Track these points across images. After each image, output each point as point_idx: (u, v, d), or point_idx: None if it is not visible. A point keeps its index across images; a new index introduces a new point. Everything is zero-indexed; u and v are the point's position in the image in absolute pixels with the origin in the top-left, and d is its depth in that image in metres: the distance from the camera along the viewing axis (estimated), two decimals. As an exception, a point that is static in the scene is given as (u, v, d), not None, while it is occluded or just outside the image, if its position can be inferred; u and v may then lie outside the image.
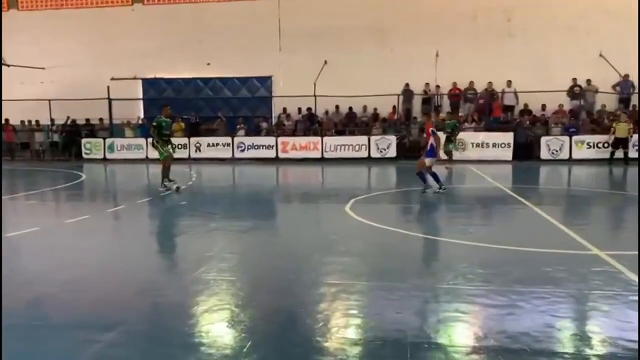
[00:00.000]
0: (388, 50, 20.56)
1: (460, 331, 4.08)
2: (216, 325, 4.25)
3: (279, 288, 5.19)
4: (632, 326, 4.00)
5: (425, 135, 11.05)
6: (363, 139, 19.88)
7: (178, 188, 11.71)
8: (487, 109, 20.40)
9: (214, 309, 4.57)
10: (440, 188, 10.75)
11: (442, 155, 14.45)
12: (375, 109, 21.24)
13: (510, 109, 20.63)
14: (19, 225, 8.20)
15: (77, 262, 6.23)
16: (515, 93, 20.40)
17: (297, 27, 21.03)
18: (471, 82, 20.77)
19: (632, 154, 17.37)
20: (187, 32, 21.88)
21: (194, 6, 22.31)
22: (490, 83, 20.53)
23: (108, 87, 21.79)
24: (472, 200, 11.42)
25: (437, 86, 21.01)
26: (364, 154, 19.65)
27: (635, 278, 5.08)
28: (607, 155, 17.59)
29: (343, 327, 4.16)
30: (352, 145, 19.92)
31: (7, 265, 6.30)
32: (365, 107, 21.46)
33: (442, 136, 16.96)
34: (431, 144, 10.69)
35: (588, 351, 3.66)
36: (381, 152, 19.58)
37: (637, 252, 5.75)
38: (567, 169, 17.20)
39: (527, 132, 19.25)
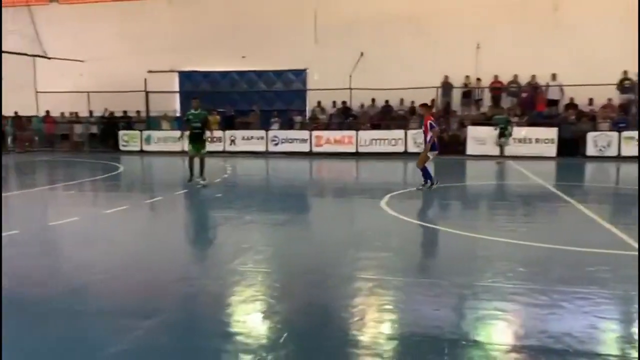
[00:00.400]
0: (426, 41, 20.17)
1: (500, 329, 3.97)
2: (252, 316, 4.26)
3: (314, 281, 5.17)
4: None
5: (423, 128, 10.61)
6: (399, 133, 19.67)
7: (198, 181, 11.45)
8: (531, 103, 19.84)
9: (250, 300, 4.59)
10: (424, 184, 10.39)
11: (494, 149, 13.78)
12: (413, 103, 20.96)
13: (554, 103, 20.02)
14: (60, 214, 8.43)
15: (116, 252, 6.36)
16: (561, 87, 19.78)
17: (333, 18, 20.92)
18: (515, 76, 20.24)
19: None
20: (223, 24, 22.03)
21: (230, -1, 22.44)
22: (534, 76, 19.98)
23: (145, 80, 22.18)
24: (514, 197, 11.16)
25: (478, 79, 20.59)
26: (400, 148, 19.44)
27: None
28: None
29: (378, 322, 4.11)
30: (387, 139, 19.74)
31: (49, 253, 6.47)
32: (402, 101, 21.21)
33: (494, 132, 16.69)
34: (431, 137, 10.33)
35: (633, 354, 3.51)
36: (419, 146, 19.28)
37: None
38: (614, 166, 16.62)
39: (573, 127, 18.66)
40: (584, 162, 17.49)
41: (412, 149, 19.27)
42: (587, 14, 19.12)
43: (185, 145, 12.06)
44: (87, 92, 22.93)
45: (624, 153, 17.69)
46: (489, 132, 18.66)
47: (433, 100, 18.12)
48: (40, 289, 4.88)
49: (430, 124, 10.42)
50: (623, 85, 19.33)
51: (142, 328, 3.94)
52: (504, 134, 16.51)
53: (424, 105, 11.49)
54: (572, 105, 19.67)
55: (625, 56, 18.33)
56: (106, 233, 7.45)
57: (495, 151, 17.46)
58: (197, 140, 11.47)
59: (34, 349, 3.62)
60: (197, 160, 11.59)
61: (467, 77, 20.68)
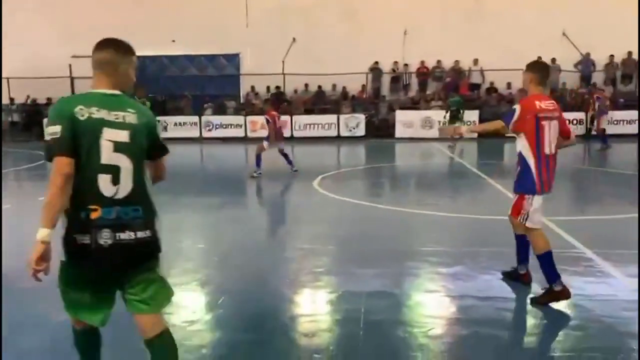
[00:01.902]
0: (356, 27, 20.68)
1: (416, 284, 4.50)
2: (191, 285, 4.56)
3: (249, 253, 5.51)
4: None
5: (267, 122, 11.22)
6: (332, 118, 20.17)
7: None
8: (454, 87, 20.90)
9: (189, 272, 4.88)
10: (257, 172, 10.86)
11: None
12: (344, 88, 21.49)
13: (476, 87, 21.19)
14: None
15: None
16: (482, 71, 20.95)
17: (265, 1, 20.99)
18: (438, 61, 21.21)
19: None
20: (152, 7, 21.56)
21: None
22: (457, 61, 21.01)
23: (70, 66, 21.37)
24: (436, 176, 11.91)
25: (405, 64, 21.38)
26: (333, 132, 19.95)
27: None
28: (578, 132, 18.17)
29: (310, 284, 4.52)
30: (321, 124, 20.19)
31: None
32: (334, 86, 21.70)
33: (444, 115, 16.92)
34: (269, 132, 10.96)
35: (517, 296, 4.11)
36: (350, 130, 19.92)
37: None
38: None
39: (493, 109, 19.83)
40: (503, 142, 18.71)
41: (344, 133, 19.85)
42: (508, 3, 20.31)
43: None
44: (7, 78, 21.81)
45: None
46: (415, 116, 19.54)
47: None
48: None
49: (266, 119, 11.08)
50: (537, 70, 20.76)
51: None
52: (456, 117, 16.54)
53: (266, 100, 12.78)
54: (492, 89, 20.90)
55: (541, 43, 19.67)
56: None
57: (423, 134, 18.33)
58: None
59: None
60: None
61: (396, 62, 21.44)
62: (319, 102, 21.60)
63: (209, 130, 20.55)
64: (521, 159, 3.99)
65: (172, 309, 3.97)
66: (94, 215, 2.22)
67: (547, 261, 3.94)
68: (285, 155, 11.12)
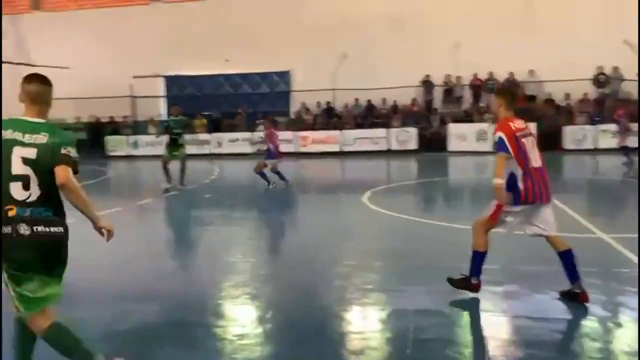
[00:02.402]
0: (407, 41, 20.58)
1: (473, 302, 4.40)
2: (240, 298, 4.64)
3: (299, 266, 5.55)
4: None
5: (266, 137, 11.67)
6: (382, 132, 20.09)
7: (167, 190, 11.42)
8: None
9: (239, 285, 4.97)
10: (268, 185, 11.24)
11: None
12: (395, 101, 21.40)
13: (532, 98, 20.56)
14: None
15: (117, 247, 6.67)
16: (538, 82, 20.33)
17: (316, 19, 21.27)
18: (491, 73, 20.77)
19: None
20: (206, 28, 22.30)
21: (213, 2, 22.71)
22: (511, 73, 20.51)
23: (131, 85, 22.39)
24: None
25: (458, 77, 21.09)
26: (383, 146, 19.87)
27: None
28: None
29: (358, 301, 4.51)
30: (371, 138, 20.15)
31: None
32: (384, 100, 21.66)
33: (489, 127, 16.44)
34: (269, 147, 11.37)
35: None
36: (401, 144, 19.77)
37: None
38: (591, 158, 17.16)
39: (551, 121, 19.18)
40: (563, 155, 18.08)
41: (395, 146, 19.72)
42: (563, 12, 19.71)
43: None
44: (72, 98, 23.06)
45: (601, 146, 18.27)
46: (469, 129, 19.17)
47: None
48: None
49: (267, 134, 11.66)
50: (598, 80, 19.98)
51: (140, 310, 4.30)
52: None
53: (266, 117, 13.26)
54: (549, 100, 20.25)
55: (600, 52, 18.94)
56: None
57: (477, 147, 17.93)
58: (174, 145, 11.64)
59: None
60: (175, 165, 11.66)
61: (448, 75, 21.18)
62: (369, 116, 21.61)
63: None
64: (509, 174, 4.20)
65: (222, 322, 4.07)
66: (11, 214, 2.78)
67: (480, 259, 4.40)
68: (278, 173, 11.39)
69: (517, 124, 4.28)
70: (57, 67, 22.99)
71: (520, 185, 4.15)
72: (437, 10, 20.57)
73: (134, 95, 22.69)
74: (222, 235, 7.30)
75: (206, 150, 20.35)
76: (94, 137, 23.22)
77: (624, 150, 14.27)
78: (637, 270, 4.93)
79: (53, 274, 2.92)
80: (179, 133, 11.67)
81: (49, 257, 2.86)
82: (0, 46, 15.68)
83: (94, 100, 22.55)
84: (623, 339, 3.68)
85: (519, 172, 4.17)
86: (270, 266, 5.74)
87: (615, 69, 19.54)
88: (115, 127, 23.40)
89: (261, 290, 4.92)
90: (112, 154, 22.25)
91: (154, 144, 21.57)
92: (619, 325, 3.92)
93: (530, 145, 4.24)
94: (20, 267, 2.82)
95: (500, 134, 4.20)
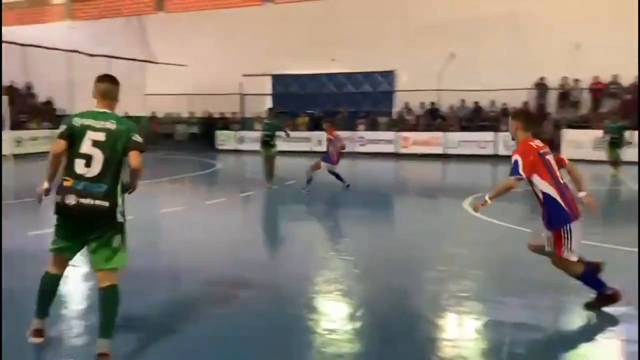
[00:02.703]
0: (520, 41, 19.54)
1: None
2: (333, 294, 4.72)
3: (392, 268, 5.52)
4: None
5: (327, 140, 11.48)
6: (489, 135, 19.32)
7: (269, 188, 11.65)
8: (635, 105, 18.63)
9: (332, 281, 5.05)
10: (345, 185, 11.07)
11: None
12: (504, 104, 20.46)
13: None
14: (167, 204, 9.40)
15: (216, 236, 7.07)
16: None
17: (423, 18, 20.92)
18: (615, 76, 19.18)
19: None
20: (314, 28, 22.74)
21: (321, 3, 23.11)
22: (638, 77, 18.77)
23: (241, 84, 23.46)
24: (610, 204, 10.77)
25: (576, 80, 19.71)
26: (490, 150, 19.08)
27: None
28: None
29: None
30: (477, 141, 19.45)
31: (164, 234, 7.35)
32: (493, 102, 20.80)
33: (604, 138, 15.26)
34: (330, 150, 11.18)
35: None
36: (509, 149, 18.81)
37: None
38: None
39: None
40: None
41: (502, 151, 18.81)
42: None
43: (281, 146, 12.67)
44: (188, 94, 24.64)
45: None
46: (586, 136, 17.85)
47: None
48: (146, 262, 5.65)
49: (329, 138, 11.38)
50: None
51: (240, 297, 4.53)
52: (617, 145, 14.66)
53: (328, 121, 12.92)
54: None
55: None
56: (209, 220, 8.22)
57: (593, 156, 16.61)
58: (266, 146, 11.96)
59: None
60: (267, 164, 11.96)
61: (565, 78, 19.85)
62: (475, 118, 20.86)
63: (361, 145, 20.97)
64: (545, 196, 4.14)
65: (314, 315, 4.16)
66: (66, 184, 3.29)
67: (589, 276, 4.13)
68: (336, 175, 11.18)
69: (536, 142, 4.29)
70: (176, 64, 24.75)
71: (561, 202, 4.07)
72: (555, 9, 19.34)
73: (243, 92, 23.74)
74: (317, 230, 7.45)
75: (306, 147, 20.77)
76: (205, 130, 24.65)
77: None
78: None
79: (107, 243, 3.35)
80: (270, 135, 12.00)
81: (96, 226, 3.31)
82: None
83: (206, 97, 23.95)
84: None
85: (554, 193, 4.10)
86: (364, 265, 5.75)
87: None
88: (225, 123, 24.63)
89: (354, 288, 4.96)
90: (221, 147, 23.46)
91: (258, 140, 22.43)
92: None
93: (554, 162, 4.24)
94: (76, 230, 3.33)
95: (515, 156, 4.19)
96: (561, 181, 4.19)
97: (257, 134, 22.66)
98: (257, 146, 21.18)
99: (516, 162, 4.16)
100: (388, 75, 22.76)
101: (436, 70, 20.38)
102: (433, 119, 21.20)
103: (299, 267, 5.64)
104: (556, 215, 4.12)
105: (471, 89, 19.88)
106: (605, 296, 4.12)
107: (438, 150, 19.78)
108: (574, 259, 4.12)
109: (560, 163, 4.33)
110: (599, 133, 17.16)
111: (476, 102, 20.88)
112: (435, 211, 9.81)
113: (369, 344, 3.75)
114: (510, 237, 7.03)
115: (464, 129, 20.45)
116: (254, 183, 13.54)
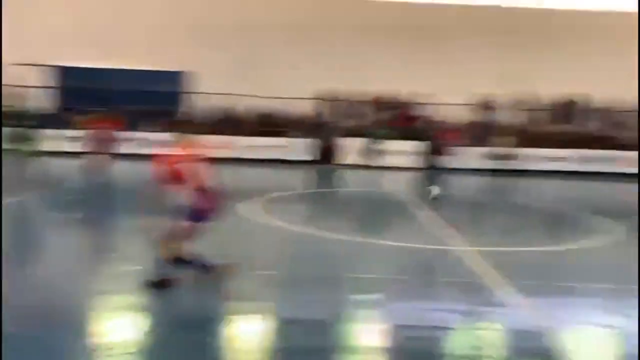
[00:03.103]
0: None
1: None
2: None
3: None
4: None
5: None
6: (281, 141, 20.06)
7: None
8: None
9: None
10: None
11: None
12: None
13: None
14: None
15: None
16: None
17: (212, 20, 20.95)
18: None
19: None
20: (93, 17, 20.89)
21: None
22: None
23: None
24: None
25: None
26: (279, 155, 19.68)
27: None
28: None
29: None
30: (268, 146, 19.98)
31: None
32: (284, 109, 21.41)
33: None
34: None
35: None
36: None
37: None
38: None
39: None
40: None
41: (292, 156, 19.50)
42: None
43: None
44: None
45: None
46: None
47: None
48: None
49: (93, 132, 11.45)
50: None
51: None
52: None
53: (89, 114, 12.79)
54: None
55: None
56: None
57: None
58: None
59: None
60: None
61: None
62: (267, 124, 21.15)
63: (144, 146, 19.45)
64: None
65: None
66: None
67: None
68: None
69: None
70: None
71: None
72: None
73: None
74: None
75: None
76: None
77: None
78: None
79: None
80: None
81: None
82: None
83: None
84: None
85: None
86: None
87: None
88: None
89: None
90: None
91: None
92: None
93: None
94: None
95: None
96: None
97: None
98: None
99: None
100: (175, 76, 21.78)
101: (225, 73, 20.16)
102: (224, 123, 20.98)
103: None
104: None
105: (262, 95, 20.21)
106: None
107: (228, 154, 19.60)
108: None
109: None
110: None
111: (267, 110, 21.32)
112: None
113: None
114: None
115: (255, 133, 20.58)
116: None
